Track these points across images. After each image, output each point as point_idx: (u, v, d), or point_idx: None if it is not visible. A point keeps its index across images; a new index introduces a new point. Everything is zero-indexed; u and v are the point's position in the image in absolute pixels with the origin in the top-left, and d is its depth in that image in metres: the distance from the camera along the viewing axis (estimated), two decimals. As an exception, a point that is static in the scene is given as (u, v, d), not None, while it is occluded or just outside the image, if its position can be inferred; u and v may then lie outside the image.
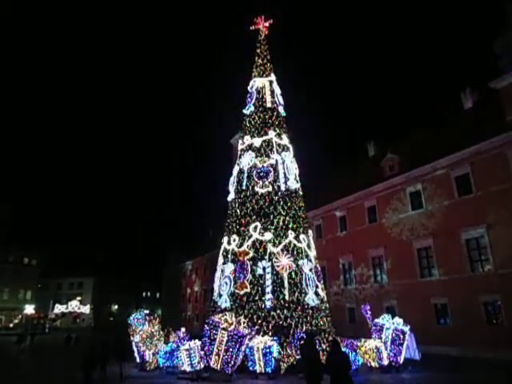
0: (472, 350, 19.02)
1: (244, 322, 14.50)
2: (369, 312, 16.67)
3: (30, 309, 58.46)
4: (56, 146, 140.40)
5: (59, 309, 58.46)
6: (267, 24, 24.89)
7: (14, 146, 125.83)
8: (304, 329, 15.39)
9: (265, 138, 20.75)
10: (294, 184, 20.17)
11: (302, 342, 13.86)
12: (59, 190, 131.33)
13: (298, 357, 14.16)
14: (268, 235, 18.03)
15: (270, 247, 17.79)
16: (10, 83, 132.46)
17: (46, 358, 21.44)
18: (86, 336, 28.84)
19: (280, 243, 17.96)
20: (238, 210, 19.65)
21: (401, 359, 15.22)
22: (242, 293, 17.25)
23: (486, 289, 19.57)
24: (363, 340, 15.76)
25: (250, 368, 14.21)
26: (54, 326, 57.75)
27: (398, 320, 15.92)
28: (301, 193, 20.82)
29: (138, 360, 16.14)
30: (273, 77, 23.46)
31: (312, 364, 9.04)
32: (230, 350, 13.76)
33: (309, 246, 19.23)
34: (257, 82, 23.02)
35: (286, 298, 16.79)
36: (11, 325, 54.42)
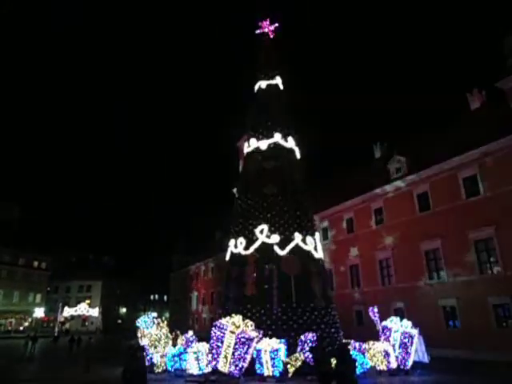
0: (481, 352, 18.81)
1: (251, 325, 14.53)
2: (377, 315, 16.60)
3: (39, 312, 59.05)
4: (63, 148, 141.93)
5: (68, 312, 58.93)
6: (272, 27, 25.05)
7: (20, 150, 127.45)
8: (312, 332, 15.32)
9: (271, 140, 20.83)
10: (300, 186, 20.20)
11: (313, 345, 13.89)
12: (66, 194, 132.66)
13: (306, 359, 14.15)
14: (275, 238, 18.06)
15: (276, 250, 17.82)
16: (17, 86, 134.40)
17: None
18: (95, 339, 29.09)
19: (287, 246, 17.98)
20: (244, 213, 19.72)
21: (409, 362, 15.15)
22: (249, 295, 17.30)
23: (496, 291, 19.37)
24: (371, 343, 15.67)
25: (258, 371, 14.22)
26: (63, 328, 58.19)
27: (407, 323, 15.84)
28: (307, 195, 20.84)
29: (146, 363, 16.19)
30: (278, 79, 23.57)
31: (323, 368, 9.17)
32: (238, 352, 13.80)
33: (316, 249, 19.22)
34: (262, 85, 23.14)
35: (293, 300, 16.80)
36: (21, 328, 54.95)
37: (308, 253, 18.53)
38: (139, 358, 9.23)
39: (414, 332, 15.49)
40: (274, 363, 13.97)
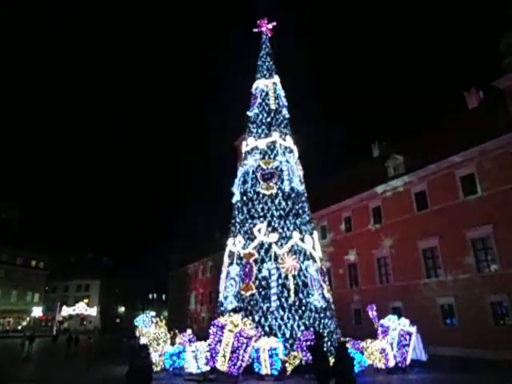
0: (479, 350, 18.90)
1: (250, 324, 14.54)
2: (375, 313, 16.64)
3: (37, 311, 58.96)
4: (63, 148, 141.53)
5: (66, 311, 58.91)
6: (270, 26, 25.00)
7: (20, 150, 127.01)
8: (311, 331, 15.36)
9: (269, 139, 20.82)
10: (298, 185, 20.20)
11: (311, 343, 13.90)
12: (66, 194, 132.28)
13: (304, 358, 14.19)
14: (273, 237, 18.07)
15: (275, 249, 17.83)
16: (17, 86, 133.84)
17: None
18: (89, 337, 28.92)
19: (285, 245, 18.00)
20: (243, 212, 19.73)
21: (407, 360, 15.18)
22: (247, 294, 17.32)
23: (493, 289, 19.46)
24: (369, 341, 15.73)
25: (257, 370, 14.23)
26: (62, 328, 58.13)
27: (404, 321, 15.88)
28: (305, 194, 20.86)
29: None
30: (276, 78, 23.52)
31: (321, 366, 9.19)
32: (236, 351, 13.81)
33: (314, 247, 19.24)
34: (260, 84, 23.10)
35: (292, 299, 16.83)
36: (19, 327, 54.86)
37: (306, 251, 18.55)
38: (144, 357, 9.04)
39: (412, 330, 15.53)
40: (272, 362, 13.99)
